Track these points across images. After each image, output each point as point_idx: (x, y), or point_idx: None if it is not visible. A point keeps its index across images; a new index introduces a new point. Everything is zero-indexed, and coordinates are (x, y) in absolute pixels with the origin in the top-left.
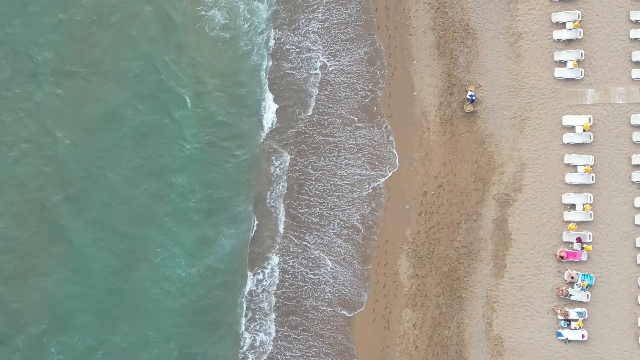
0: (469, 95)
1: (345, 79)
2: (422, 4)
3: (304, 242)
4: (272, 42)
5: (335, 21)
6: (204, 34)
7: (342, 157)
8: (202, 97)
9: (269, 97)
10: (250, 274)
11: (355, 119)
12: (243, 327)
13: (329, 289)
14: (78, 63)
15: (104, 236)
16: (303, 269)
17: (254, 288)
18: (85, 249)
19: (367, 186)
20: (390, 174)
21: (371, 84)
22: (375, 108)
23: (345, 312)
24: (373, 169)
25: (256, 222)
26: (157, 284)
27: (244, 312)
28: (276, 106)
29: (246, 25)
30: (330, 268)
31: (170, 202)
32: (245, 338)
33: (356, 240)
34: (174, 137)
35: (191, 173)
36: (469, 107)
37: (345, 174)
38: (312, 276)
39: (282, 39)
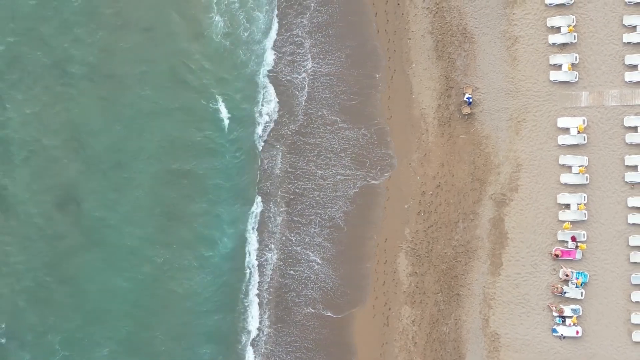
0: (467, 98)
1: (339, 82)
2: (421, 8)
3: (292, 240)
4: (269, 49)
5: (331, 27)
6: (210, 39)
7: (329, 158)
8: (207, 99)
9: (265, 99)
10: (249, 271)
11: (339, 119)
12: (247, 322)
13: (311, 285)
14: (104, 65)
15: (110, 235)
16: (292, 267)
17: (250, 285)
18: (91, 247)
19: (358, 184)
20: (389, 174)
21: (366, 87)
22: (372, 110)
23: (331, 314)
24: (369, 169)
25: (255, 220)
26: (160, 282)
27: (250, 311)
28: (272, 108)
29: (246, 34)
30: (318, 266)
31: (173, 199)
32: (245, 332)
33: (342, 240)
34: (180, 134)
35: (192, 166)
36: (466, 110)
37: (328, 173)
38: (292, 272)
39: (279, 46)
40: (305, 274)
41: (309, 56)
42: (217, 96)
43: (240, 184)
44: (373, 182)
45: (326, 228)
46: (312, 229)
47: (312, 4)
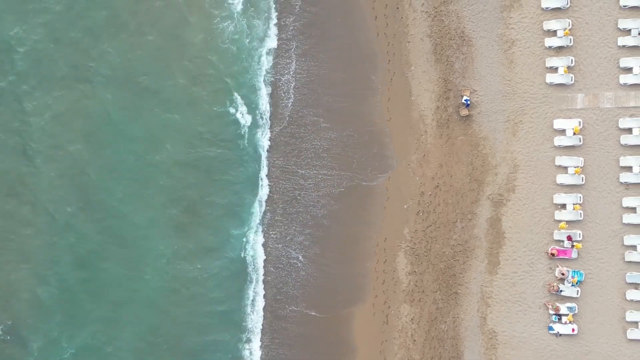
0: (464, 100)
1: (337, 85)
2: (420, 12)
3: (293, 240)
4: (269, 53)
5: (330, 32)
6: (216, 45)
7: (316, 158)
8: (215, 102)
9: (265, 102)
10: (252, 268)
11: (338, 121)
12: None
13: (311, 285)
14: (124, 67)
15: (113, 232)
16: (290, 266)
17: (253, 284)
18: (95, 245)
19: (353, 185)
20: (388, 175)
21: (364, 89)
22: (370, 112)
23: (331, 312)
24: (370, 170)
25: (260, 219)
26: (163, 281)
27: (253, 309)
28: (272, 110)
29: (247, 40)
30: (318, 266)
31: (186, 198)
32: (248, 330)
33: (342, 240)
34: (192, 135)
35: (204, 165)
36: (464, 111)
37: (321, 174)
38: (291, 272)
39: (278, 50)
40: (307, 274)
41: (307, 59)
42: (226, 100)
43: (246, 184)
44: (374, 183)
45: (325, 228)
46: (310, 230)
47: (311, 10)
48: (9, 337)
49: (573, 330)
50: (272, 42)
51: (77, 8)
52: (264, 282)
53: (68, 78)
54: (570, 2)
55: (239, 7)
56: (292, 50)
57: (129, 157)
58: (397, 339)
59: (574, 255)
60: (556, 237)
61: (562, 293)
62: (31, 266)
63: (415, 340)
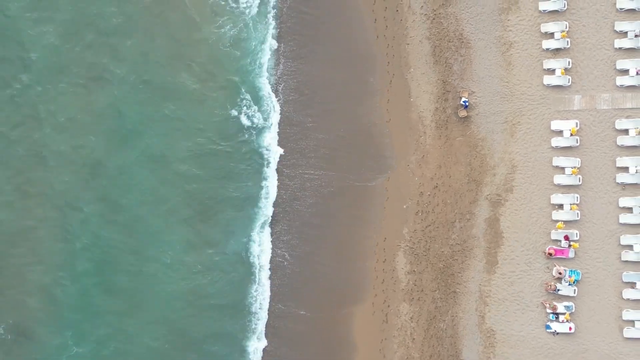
0: (463, 101)
1: (337, 86)
2: (419, 15)
3: (298, 243)
4: (270, 56)
5: (330, 35)
6: (217, 48)
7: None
8: (218, 100)
9: (266, 99)
10: (257, 269)
11: (338, 122)
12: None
13: (313, 284)
14: (136, 71)
15: (119, 230)
16: (294, 266)
17: (257, 285)
18: (97, 242)
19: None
20: (387, 175)
21: (362, 92)
22: (369, 113)
23: (315, 312)
24: (370, 171)
25: (265, 221)
26: (166, 279)
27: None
28: (273, 112)
29: (250, 42)
30: (321, 266)
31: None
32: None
33: (343, 239)
34: (189, 133)
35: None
36: (462, 113)
37: (320, 174)
38: (295, 270)
39: (276, 52)
40: (306, 273)
41: (308, 61)
42: (230, 101)
43: (251, 183)
44: (373, 183)
45: (324, 228)
46: (310, 231)
47: (311, 13)
48: (9, 337)
49: (570, 328)
50: (273, 44)
51: (89, 12)
52: (267, 281)
53: (80, 80)
54: (568, 4)
55: (242, 11)
56: (293, 51)
57: (137, 158)
58: (397, 338)
59: (571, 254)
60: (553, 236)
61: (560, 292)
62: (41, 267)
63: (414, 339)
